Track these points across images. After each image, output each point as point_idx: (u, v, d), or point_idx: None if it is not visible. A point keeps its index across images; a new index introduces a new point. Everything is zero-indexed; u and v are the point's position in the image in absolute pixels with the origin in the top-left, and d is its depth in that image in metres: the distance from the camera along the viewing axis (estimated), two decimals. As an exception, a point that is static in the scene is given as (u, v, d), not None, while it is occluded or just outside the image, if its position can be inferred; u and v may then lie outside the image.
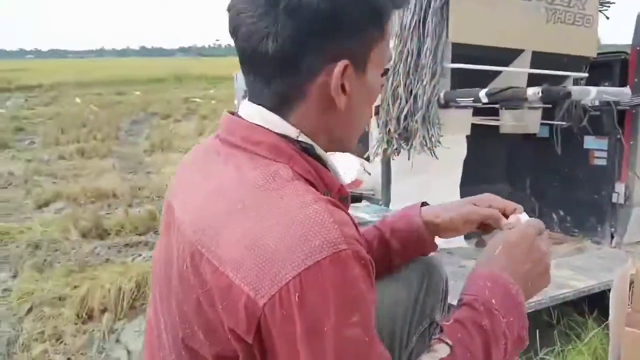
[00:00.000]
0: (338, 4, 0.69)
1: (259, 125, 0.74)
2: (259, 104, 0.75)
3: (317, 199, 0.66)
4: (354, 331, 0.62)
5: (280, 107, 0.74)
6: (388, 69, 0.90)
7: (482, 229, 0.98)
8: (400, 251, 1.02)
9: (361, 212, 2.36)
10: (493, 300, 0.76)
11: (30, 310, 2.63)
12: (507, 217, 0.94)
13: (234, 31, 0.73)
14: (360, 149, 2.70)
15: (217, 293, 0.64)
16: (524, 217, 0.93)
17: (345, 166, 2.78)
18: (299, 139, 0.75)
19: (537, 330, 1.92)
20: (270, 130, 0.74)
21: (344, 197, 0.79)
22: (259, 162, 0.71)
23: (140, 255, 3.39)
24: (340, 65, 0.71)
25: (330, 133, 0.78)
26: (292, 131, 0.74)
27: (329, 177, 0.76)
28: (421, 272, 1.01)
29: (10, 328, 2.49)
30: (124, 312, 2.57)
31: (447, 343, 0.74)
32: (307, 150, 0.75)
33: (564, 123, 2.62)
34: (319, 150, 0.77)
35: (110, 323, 2.50)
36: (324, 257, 0.60)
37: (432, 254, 1.03)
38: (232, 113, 0.80)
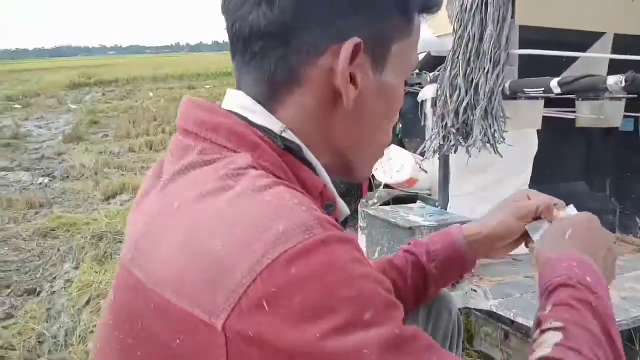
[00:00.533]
0: None
1: (229, 111, 0.60)
2: (243, 91, 0.61)
3: (276, 183, 0.53)
4: (382, 332, 0.46)
5: (268, 95, 0.60)
6: (406, 82, 0.77)
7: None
8: (437, 277, 0.89)
9: (413, 214, 2.15)
10: (588, 278, 0.63)
11: (88, 302, 2.67)
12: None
13: (225, 3, 0.61)
14: (417, 143, 2.49)
15: (163, 329, 0.49)
16: (573, 210, 0.85)
17: (399, 162, 2.57)
18: (283, 134, 0.60)
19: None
20: (239, 116, 0.59)
21: (329, 203, 0.63)
22: (211, 157, 0.57)
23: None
24: (349, 43, 0.57)
25: (330, 141, 0.63)
26: (275, 125, 0.60)
27: (309, 176, 0.61)
28: (428, 308, 0.89)
29: (69, 319, 2.52)
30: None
31: (555, 328, 0.58)
32: (291, 151, 0.60)
33: (651, 115, 2.27)
34: (308, 154, 0.61)
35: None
36: (293, 245, 0.46)
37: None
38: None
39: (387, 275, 0.85)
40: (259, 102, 0.60)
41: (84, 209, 4.43)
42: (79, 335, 2.35)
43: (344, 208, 0.66)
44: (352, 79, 0.59)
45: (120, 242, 3.44)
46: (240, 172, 0.54)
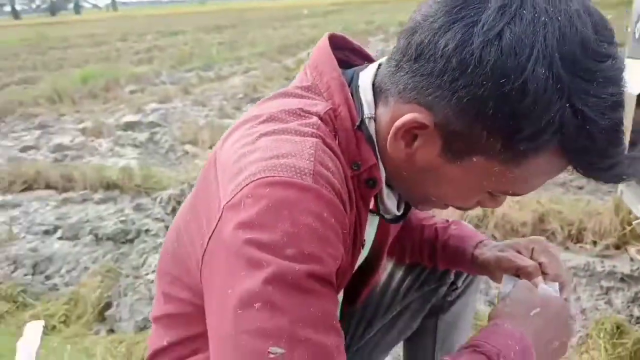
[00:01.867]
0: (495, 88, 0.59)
1: (354, 70, 0.76)
2: (382, 71, 0.72)
3: (319, 136, 0.67)
4: (289, 266, 0.58)
5: (388, 92, 0.71)
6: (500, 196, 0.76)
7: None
8: (445, 264, 1.08)
9: None
10: None
11: None
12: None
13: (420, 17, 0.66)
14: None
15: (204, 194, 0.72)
16: (554, 288, 0.84)
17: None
18: (365, 118, 0.73)
19: None
20: (354, 82, 0.74)
21: (372, 179, 0.74)
22: (305, 93, 0.74)
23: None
24: (412, 116, 0.66)
25: (391, 162, 0.74)
26: (370, 110, 0.73)
27: (366, 150, 0.73)
28: None
29: None
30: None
31: None
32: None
33: None
34: (374, 145, 0.73)
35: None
36: (280, 177, 0.61)
37: None
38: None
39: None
40: (379, 88, 0.71)
41: None
42: None
43: (377, 185, 0.75)
44: (408, 138, 0.67)
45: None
46: (305, 114, 0.70)
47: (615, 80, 0.60)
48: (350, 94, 0.73)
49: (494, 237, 2.63)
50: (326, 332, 0.59)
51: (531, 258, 0.90)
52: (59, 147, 4.92)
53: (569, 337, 0.77)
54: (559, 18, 0.58)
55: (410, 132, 0.67)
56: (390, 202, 0.81)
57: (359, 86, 0.74)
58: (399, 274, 1.16)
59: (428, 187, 0.74)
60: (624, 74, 0.61)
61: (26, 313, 2.27)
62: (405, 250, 1.13)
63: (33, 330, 1.86)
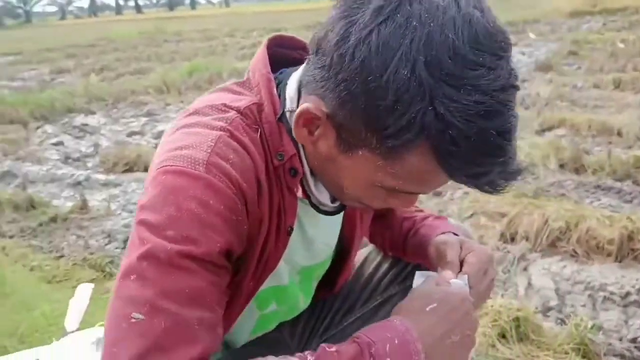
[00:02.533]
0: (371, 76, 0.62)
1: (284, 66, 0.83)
2: (307, 67, 0.75)
3: (226, 130, 0.74)
4: (163, 244, 0.65)
5: (307, 87, 0.74)
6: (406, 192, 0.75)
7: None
8: (413, 252, 1.08)
9: None
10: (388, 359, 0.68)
11: (471, 215, 3.07)
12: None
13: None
14: None
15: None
16: (462, 281, 0.86)
17: None
18: (287, 111, 0.78)
19: None
20: (280, 79, 0.81)
21: (293, 168, 0.79)
22: (238, 89, 0.83)
23: (599, 200, 3.13)
24: (309, 104, 0.70)
25: (308, 153, 0.79)
26: (290, 104, 0.78)
27: (288, 142, 0.77)
28: None
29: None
30: (541, 246, 2.61)
31: None
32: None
33: None
34: (294, 137, 0.76)
35: (523, 252, 2.58)
36: (175, 166, 0.69)
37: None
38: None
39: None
40: (301, 83, 0.76)
41: (517, 136, 4.34)
42: None
43: (319, 194, 0.84)
44: (310, 127, 0.72)
45: (533, 173, 3.57)
46: (225, 109, 0.77)
47: (486, 89, 0.60)
48: (275, 89, 0.79)
49: (576, 253, 2.50)
50: (190, 307, 0.65)
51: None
52: (161, 134, 5.26)
53: (471, 329, 0.76)
54: (431, 24, 0.60)
55: (310, 122, 0.71)
56: (319, 193, 0.84)
57: (288, 81, 0.80)
58: (384, 266, 1.18)
59: (334, 177, 0.77)
60: (505, 85, 0.62)
61: (110, 282, 2.49)
62: (385, 242, 1.17)
63: (84, 291, 2.07)
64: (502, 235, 2.75)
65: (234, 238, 0.71)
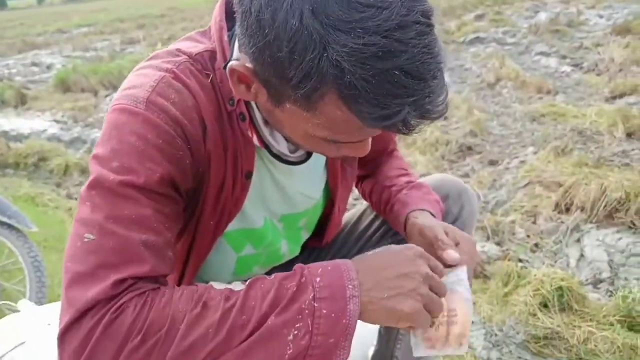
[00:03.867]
0: (275, 28, 0.62)
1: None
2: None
3: (171, 71, 0.78)
4: (107, 175, 0.71)
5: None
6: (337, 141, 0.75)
7: None
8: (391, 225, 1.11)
9: None
10: (318, 279, 0.70)
11: (526, 185, 2.98)
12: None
13: None
14: None
15: None
16: (461, 272, 0.85)
17: None
18: (233, 60, 0.77)
19: None
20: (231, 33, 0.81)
21: (242, 113, 0.81)
22: (197, 37, 0.86)
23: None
24: (231, 64, 0.71)
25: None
26: (235, 55, 0.79)
27: (231, 89, 0.78)
28: None
29: (505, 193, 2.94)
30: (597, 217, 2.50)
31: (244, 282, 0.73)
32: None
33: None
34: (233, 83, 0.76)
35: (578, 222, 2.50)
36: (120, 104, 0.75)
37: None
38: None
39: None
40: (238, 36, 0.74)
41: (585, 103, 4.39)
42: (503, 209, 2.77)
43: (273, 141, 0.87)
44: (245, 82, 0.73)
45: (595, 142, 3.45)
46: (178, 53, 0.81)
47: (376, 30, 0.58)
48: (227, 39, 0.81)
49: (634, 224, 2.37)
50: (136, 230, 0.70)
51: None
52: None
53: (411, 268, 0.74)
54: None
55: (245, 78, 0.72)
56: (275, 142, 0.87)
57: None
58: (377, 222, 1.19)
59: (280, 129, 0.80)
60: (402, 22, 0.59)
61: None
62: (372, 203, 1.20)
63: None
64: (557, 205, 2.65)
65: (175, 170, 0.75)
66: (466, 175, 3.30)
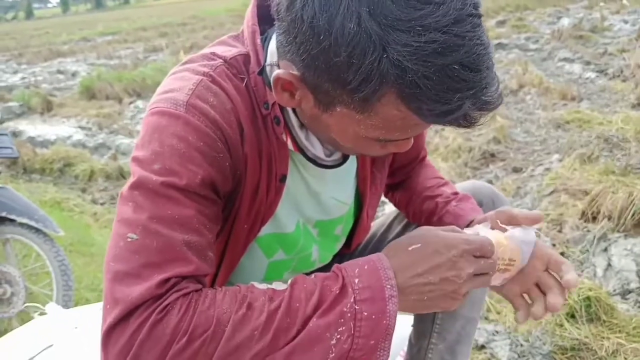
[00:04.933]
0: (325, 44, 0.62)
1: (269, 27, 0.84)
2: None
3: (209, 75, 0.78)
4: (150, 176, 0.72)
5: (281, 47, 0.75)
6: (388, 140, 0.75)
7: None
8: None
9: None
10: (356, 280, 0.71)
11: (552, 193, 2.94)
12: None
13: None
14: None
15: None
16: (531, 232, 0.87)
17: None
18: (267, 66, 0.80)
19: None
20: (265, 36, 0.83)
21: (276, 117, 0.82)
22: (230, 41, 0.87)
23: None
24: (284, 71, 0.71)
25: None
26: (270, 59, 0.80)
27: (269, 92, 0.80)
28: None
29: (530, 203, 2.89)
30: (624, 226, 2.45)
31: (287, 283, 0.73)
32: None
33: None
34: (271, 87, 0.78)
35: (605, 231, 2.45)
36: (159, 107, 0.76)
37: None
38: None
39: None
40: (277, 48, 0.77)
41: (610, 110, 4.38)
42: None
43: (310, 145, 0.87)
44: (290, 90, 0.74)
45: (622, 149, 3.41)
46: (213, 57, 0.82)
47: (435, 26, 0.59)
48: (261, 42, 0.81)
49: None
50: (179, 230, 0.71)
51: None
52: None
53: (453, 272, 0.73)
54: None
55: (289, 86, 0.72)
56: (311, 146, 0.87)
57: (272, 36, 0.82)
58: (409, 230, 1.17)
59: (326, 133, 0.79)
60: (458, 17, 0.60)
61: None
62: (408, 214, 1.17)
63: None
64: (584, 213, 2.61)
65: (215, 172, 0.75)
66: (489, 183, 3.26)
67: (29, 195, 3.68)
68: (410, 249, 0.75)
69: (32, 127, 5.85)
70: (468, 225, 0.99)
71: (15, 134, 5.52)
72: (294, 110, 0.83)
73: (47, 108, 6.64)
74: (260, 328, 0.66)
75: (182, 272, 0.69)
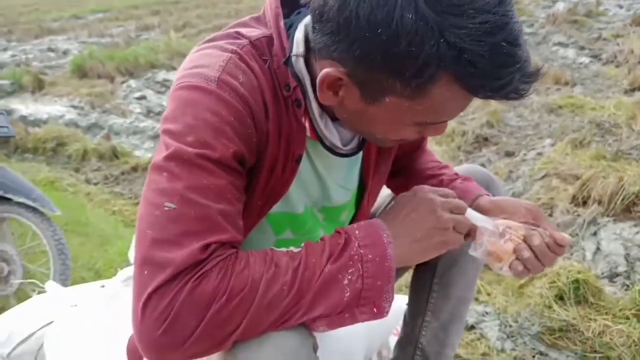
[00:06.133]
0: (370, 33, 0.67)
1: (296, 14, 0.88)
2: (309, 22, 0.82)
3: (237, 53, 0.81)
4: (185, 148, 0.74)
5: (312, 42, 0.80)
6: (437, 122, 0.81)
7: None
8: None
9: None
10: (357, 231, 0.80)
11: (543, 177, 2.96)
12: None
13: None
14: None
15: None
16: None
17: None
18: (293, 55, 0.83)
19: None
20: (289, 21, 0.87)
21: (297, 99, 0.84)
22: (251, 22, 0.89)
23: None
24: (329, 70, 0.75)
25: (334, 108, 0.85)
26: (296, 49, 0.83)
27: (289, 76, 0.83)
28: None
29: (522, 187, 2.92)
30: (614, 211, 2.49)
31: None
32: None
33: None
34: (297, 77, 0.84)
35: (595, 215, 2.48)
36: (190, 82, 0.79)
37: None
38: None
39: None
40: (316, 50, 0.79)
41: (603, 95, 4.42)
42: None
43: (329, 134, 0.91)
44: (334, 89, 0.78)
45: (614, 135, 3.41)
46: (238, 36, 0.85)
47: (485, 8, 0.65)
48: (283, 26, 0.85)
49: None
50: (215, 200, 0.74)
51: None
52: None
53: (436, 207, 0.83)
54: None
55: (333, 84, 0.77)
56: (330, 134, 0.91)
57: (299, 25, 0.85)
58: None
59: (366, 126, 0.84)
60: None
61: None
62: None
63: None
64: (574, 197, 2.65)
65: (244, 146, 0.79)
66: (482, 166, 3.29)
67: (22, 174, 3.67)
68: (391, 206, 0.87)
69: (24, 106, 5.79)
70: (481, 197, 1.05)
71: (8, 113, 5.48)
72: (316, 99, 0.85)
73: (39, 87, 6.56)
74: (289, 283, 0.73)
75: (220, 239, 0.74)
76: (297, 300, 0.73)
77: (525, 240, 0.91)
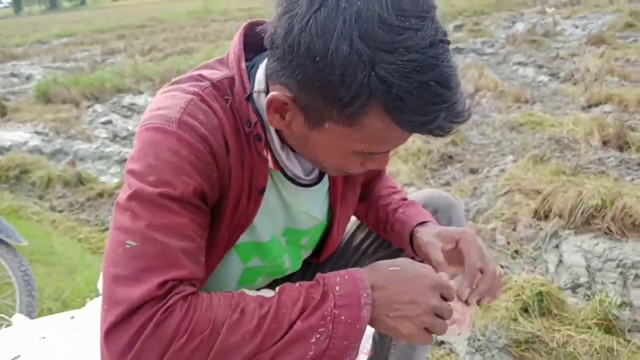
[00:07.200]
0: (315, 60, 0.71)
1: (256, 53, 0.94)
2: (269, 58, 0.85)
3: (198, 94, 0.85)
4: (146, 188, 0.78)
5: (271, 75, 0.84)
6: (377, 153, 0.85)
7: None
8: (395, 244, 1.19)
9: None
10: (337, 287, 0.79)
11: (506, 193, 3.05)
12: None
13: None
14: None
15: None
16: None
17: None
18: (255, 92, 0.89)
19: None
20: (251, 63, 0.92)
21: (258, 134, 0.88)
22: (215, 65, 0.94)
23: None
24: (273, 94, 0.80)
25: (285, 133, 0.90)
26: (257, 86, 0.89)
27: (253, 113, 0.88)
28: None
29: (486, 201, 3.01)
30: (574, 224, 2.56)
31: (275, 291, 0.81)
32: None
33: None
34: (258, 112, 0.89)
35: (556, 229, 2.55)
36: (153, 124, 0.82)
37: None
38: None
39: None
40: (269, 74, 0.84)
41: (561, 112, 4.52)
42: (484, 217, 2.82)
43: (291, 164, 0.95)
44: (280, 112, 0.82)
45: (572, 150, 3.52)
46: (201, 79, 0.89)
47: (415, 48, 0.69)
48: (245, 67, 0.89)
49: (610, 230, 2.45)
50: (175, 237, 0.77)
51: (456, 246, 1.01)
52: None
53: (422, 299, 0.80)
54: (358, 3, 0.69)
55: (281, 108, 0.81)
56: (292, 164, 0.95)
57: (260, 64, 0.91)
58: (374, 234, 1.27)
59: (312, 151, 0.87)
60: (433, 41, 0.70)
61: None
62: (369, 224, 1.26)
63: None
64: (536, 212, 2.73)
65: (205, 183, 0.82)
66: (447, 184, 3.37)
67: (-16, 204, 3.60)
68: (390, 269, 0.84)
69: (-14, 133, 5.68)
70: (417, 226, 1.09)
71: (-31, 140, 5.36)
72: (277, 132, 0.89)
73: (1, 113, 6.43)
74: (252, 332, 0.74)
75: (179, 275, 0.76)
76: (258, 349, 0.74)
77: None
